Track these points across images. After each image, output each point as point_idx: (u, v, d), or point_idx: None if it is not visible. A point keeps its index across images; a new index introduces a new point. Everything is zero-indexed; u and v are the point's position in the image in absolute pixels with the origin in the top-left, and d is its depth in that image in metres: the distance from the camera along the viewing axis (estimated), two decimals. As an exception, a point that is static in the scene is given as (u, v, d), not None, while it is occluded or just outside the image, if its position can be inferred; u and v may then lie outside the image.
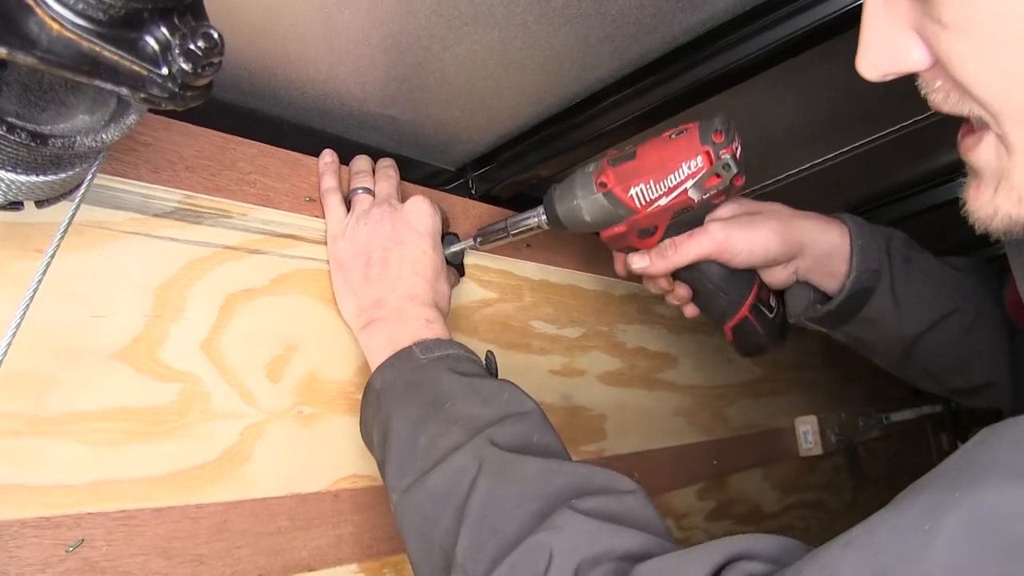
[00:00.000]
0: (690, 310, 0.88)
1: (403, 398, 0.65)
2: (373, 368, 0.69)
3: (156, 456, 0.61)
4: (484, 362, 0.73)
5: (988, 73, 0.40)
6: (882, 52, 0.45)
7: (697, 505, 1.25)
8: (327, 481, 0.72)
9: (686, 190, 0.73)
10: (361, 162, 0.82)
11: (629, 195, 0.75)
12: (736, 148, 0.72)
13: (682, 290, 0.86)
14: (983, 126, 0.44)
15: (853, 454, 1.75)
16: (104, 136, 0.41)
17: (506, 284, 0.99)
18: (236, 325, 0.69)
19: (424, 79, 0.79)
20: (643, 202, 0.75)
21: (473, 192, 1.02)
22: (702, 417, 1.32)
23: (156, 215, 0.66)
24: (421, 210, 0.76)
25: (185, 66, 0.35)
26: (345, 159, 0.83)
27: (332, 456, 0.73)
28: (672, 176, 0.73)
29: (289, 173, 0.77)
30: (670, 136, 0.74)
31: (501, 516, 0.55)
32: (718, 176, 0.72)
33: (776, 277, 0.85)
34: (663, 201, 0.74)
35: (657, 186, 0.74)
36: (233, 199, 0.72)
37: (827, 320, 0.86)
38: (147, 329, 0.63)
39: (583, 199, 0.77)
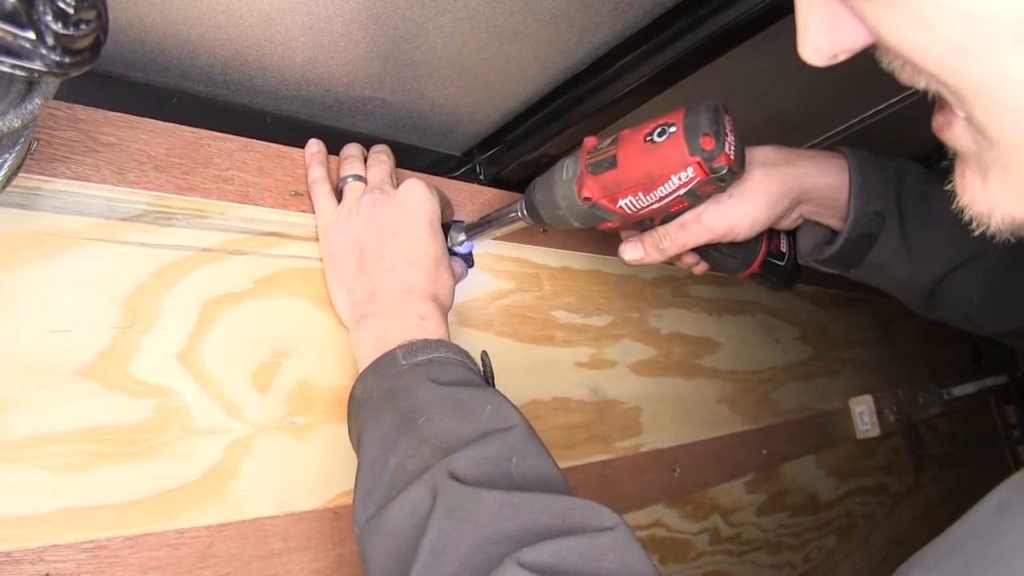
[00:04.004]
0: (700, 268, 0.84)
1: (376, 411, 0.59)
2: (360, 372, 0.63)
3: (130, 479, 0.56)
4: (480, 364, 0.66)
5: (936, 48, 0.32)
6: (821, 33, 0.38)
7: (746, 499, 1.18)
8: (325, 497, 0.66)
9: (679, 197, 0.66)
10: (351, 148, 0.76)
11: (618, 206, 0.68)
12: (730, 152, 0.63)
13: (689, 258, 0.81)
14: (949, 105, 0.36)
15: (914, 433, 1.66)
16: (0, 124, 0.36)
17: (522, 273, 0.93)
18: (217, 333, 0.64)
19: (410, 55, 0.73)
20: (634, 209, 0.68)
21: (482, 177, 0.96)
22: (747, 404, 1.25)
23: (123, 219, 0.61)
24: (415, 193, 0.70)
25: (56, 26, 0.30)
26: (338, 150, 0.77)
27: (330, 469, 0.67)
28: (662, 188, 0.65)
29: (272, 167, 0.72)
30: (652, 137, 0.65)
31: (451, 563, 0.47)
32: (712, 184, 0.65)
33: (780, 225, 0.79)
34: (656, 206, 0.67)
35: (647, 197, 0.66)
36: (209, 198, 0.66)
37: (834, 263, 0.79)
38: (116, 342, 0.58)
39: (568, 210, 0.70)
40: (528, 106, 0.88)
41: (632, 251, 0.76)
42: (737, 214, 0.72)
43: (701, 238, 0.73)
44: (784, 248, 0.82)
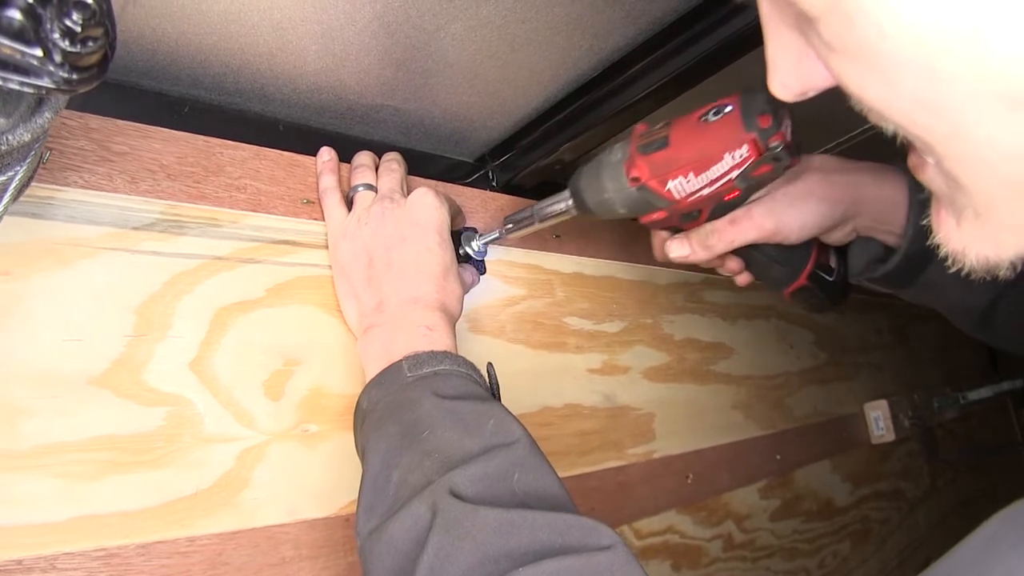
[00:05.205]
0: (743, 279, 0.82)
1: (380, 424, 0.59)
2: (366, 382, 0.63)
3: (142, 487, 0.56)
4: (486, 376, 0.66)
5: (900, 103, 0.32)
6: (789, 71, 0.38)
7: (760, 504, 1.17)
8: (337, 505, 0.67)
9: (731, 180, 0.64)
10: (362, 157, 0.76)
11: (667, 188, 0.66)
12: (787, 131, 0.61)
13: (733, 264, 0.79)
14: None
15: (929, 438, 1.65)
16: (9, 137, 0.36)
17: (535, 279, 0.92)
18: (229, 341, 0.64)
19: (423, 63, 0.73)
20: (683, 194, 0.66)
21: (494, 183, 0.96)
22: (761, 409, 1.24)
23: (135, 228, 0.61)
24: (425, 202, 0.70)
25: (63, 44, 0.30)
26: (350, 157, 0.77)
27: (342, 477, 0.67)
28: (715, 168, 0.63)
29: (284, 175, 0.72)
30: (707, 117, 0.63)
31: None
32: (768, 165, 0.63)
33: (832, 238, 0.76)
34: (706, 191, 0.66)
35: (698, 179, 0.65)
36: (221, 206, 0.67)
37: (887, 282, 0.77)
38: (129, 350, 0.58)
39: (615, 193, 0.68)
40: (540, 112, 0.88)
41: (678, 248, 0.75)
42: (790, 213, 0.70)
43: (750, 235, 0.71)
44: (833, 264, 0.79)
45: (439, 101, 0.81)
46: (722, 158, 0.63)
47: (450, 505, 0.50)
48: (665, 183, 0.66)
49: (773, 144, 0.61)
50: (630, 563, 0.46)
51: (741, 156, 0.62)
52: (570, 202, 0.73)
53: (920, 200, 0.71)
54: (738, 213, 0.71)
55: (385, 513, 0.53)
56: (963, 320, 0.80)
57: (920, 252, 0.72)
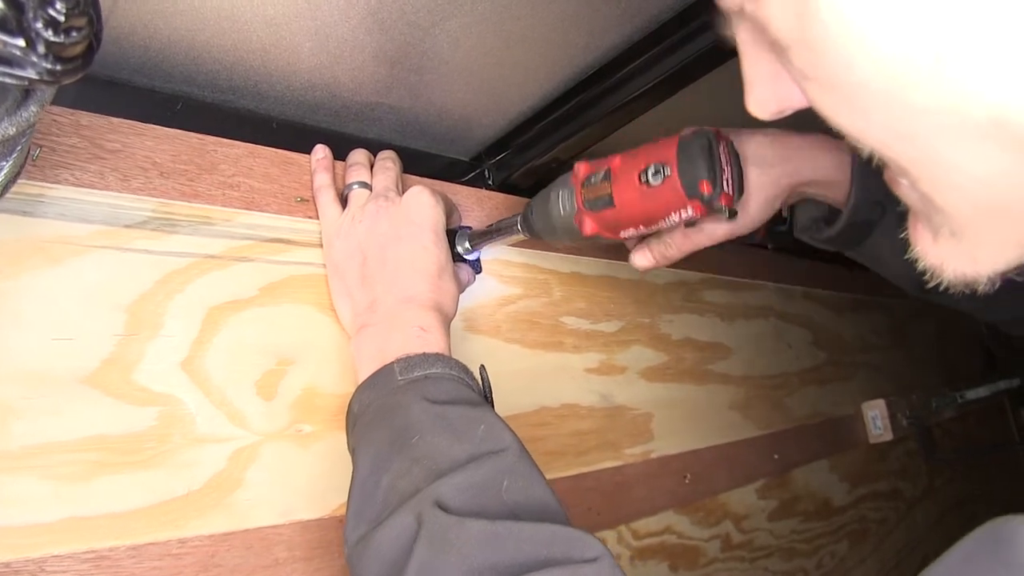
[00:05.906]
0: None
1: (370, 428, 0.58)
2: (358, 384, 0.63)
3: (132, 488, 0.56)
4: (479, 379, 0.65)
5: (874, 131, 0.33)
6: (766, 90, 0.39)
7: (758, 504, 1.17)
8: (331, 506, 0.66)
9: (680, 223, 0.67)
10: (357, 155, 0.76)
11: (621, 236, 0.70)
12: (729, 189, 0.63)
13: None
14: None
15: (927, 437, 1.64)
16: (-6, 131, 0.35)
17: (531, 279, 0.92)
18: (221, 340, 0.63)
19: (417, 61, 0.72)
20: (637, 236, 0.72)
21: (491, 182, 0.96)
22: (760, 409, 1.24)
23: (127, 226, 0.61)
24: (420, 201, 0.69)
25: (47, 34, 0.29)
26: (345, 156, 0.77)
27: (336, 477, 0.66)
28: (663, 221, 0.66)
29: (278, 173, 0.71)
30: (647, 178, 0.64)
31: None
32: (715, 217, 0.68)
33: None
34: (658, 229, 0.70)
35: (648, 229, 0.68)
36: (214, 204, 0.66)
37: (831, 244, 0.79)
38: (119, 350, 0.58)
39: (573, 240, 0.72)
40: (536, 111, 0.87)
41: (641, 259, 0.79)
42: (738, 223, 0.73)
43: (703, 244, 0.75)
44: (786, 214, 0.83)
45: (434, 99, 0.80)
46: (669, 215, 0.66)
47: (435, 516, 0.49)
48: (618, 233, 0.69)
49: (717, 206, 0.63)
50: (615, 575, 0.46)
51: (687, 213, 0.65)
52: (529, 236, 0.76)
53: (859, 173, 0.72)
54: (691, 229, 0.75)
55: (373, 520, 0.53)
56: (904, 284, 0.82)
57: (862, 223, 0.74)
